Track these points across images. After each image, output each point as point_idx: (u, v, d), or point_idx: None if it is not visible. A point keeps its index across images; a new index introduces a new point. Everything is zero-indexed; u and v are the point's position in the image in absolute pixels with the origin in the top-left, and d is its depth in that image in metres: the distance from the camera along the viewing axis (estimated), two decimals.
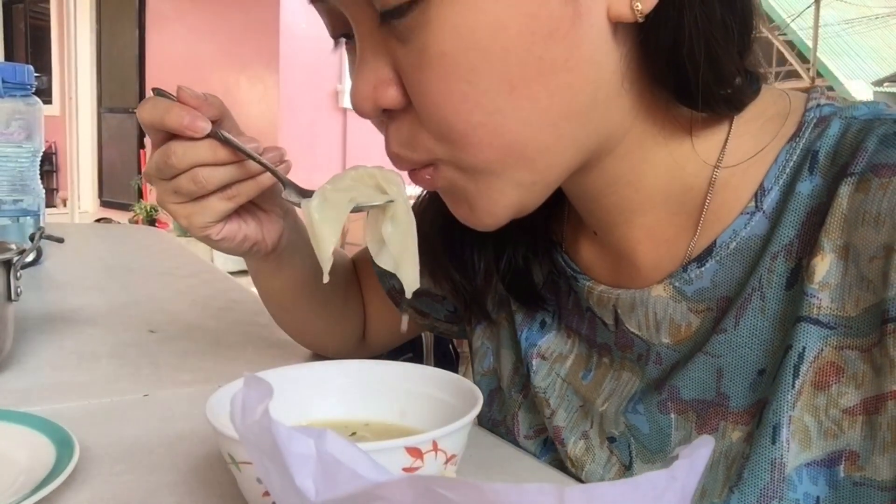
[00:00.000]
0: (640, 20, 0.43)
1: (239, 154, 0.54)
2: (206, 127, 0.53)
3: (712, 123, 0.48)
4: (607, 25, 0.43)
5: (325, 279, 0.52)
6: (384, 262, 0.52)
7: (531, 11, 0.41)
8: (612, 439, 0.53)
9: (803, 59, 9.49)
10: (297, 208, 0.55)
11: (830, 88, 0.53)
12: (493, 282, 0.63)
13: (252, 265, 0.68)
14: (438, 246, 0.63)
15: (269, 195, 0.59)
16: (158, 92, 0.55)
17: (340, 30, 0.48)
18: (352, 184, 0.51)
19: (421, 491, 0.19)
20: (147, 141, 0.59)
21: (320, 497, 0.22)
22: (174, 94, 0.54)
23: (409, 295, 0.51)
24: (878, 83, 10.92)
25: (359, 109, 0.47)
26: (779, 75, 9.65)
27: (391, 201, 0.51)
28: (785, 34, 9.72)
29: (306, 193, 0.54)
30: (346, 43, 0.49)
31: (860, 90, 10.67)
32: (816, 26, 8.61)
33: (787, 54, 9.41)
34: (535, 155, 0.45)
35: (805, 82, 8.78)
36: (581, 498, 0.19)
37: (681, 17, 0.42)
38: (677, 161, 0.49)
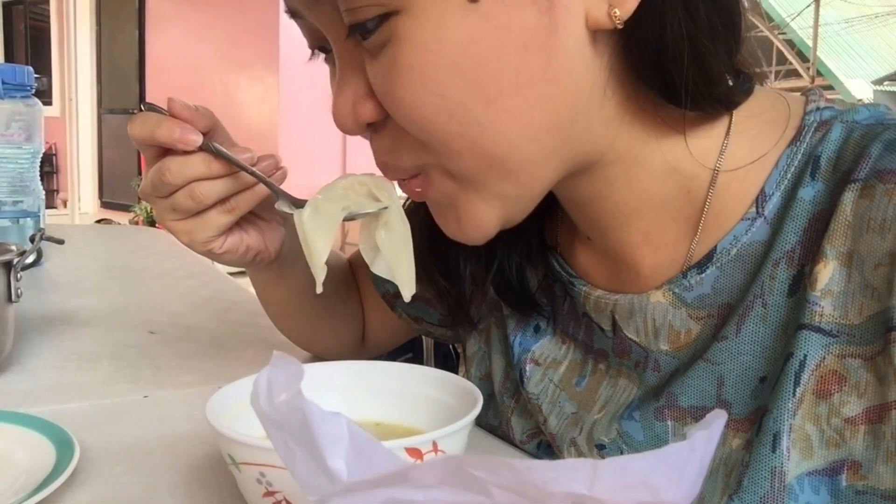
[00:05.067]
0: (619, 27, 0.42)
1: (234, 166, 0.54)
2: (198, 139, 0.52)
3: (705, 123, 0.47)
4: (586, 34, 0.42)
5: (319, 289, 0.51)
6: (379, 268, 0.52)
7: (504, 24, 0.40)
8: (600, 446, 0.52)
9: (803, 58, 9.48)
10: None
11: (830, 88, 0.52)
12: (483, 286, 0.63)
13: (253, 273, 0.67)
14: (424, 250, 0.62)
15: (268, 204, 0.58)
16: (149, 106, 0.54)
17: (317, 42, 0.49)
18: (343, 192, 0.51)
19: (451, 471, 0.19)
20: None
21: (352, 477, 0.21)
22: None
23: (407, 299, 0.50)
24: (878, 82, 10.90)
25: (341, 126, 0.46)
26: (779, 74, 9.65)
27: (385, 208, 0.50)
28: (785, 33, 9.71)
29: (299, 203, 0.53)
30: (326, 57, 0.49)
31: (860, 89, 10.65)
32: (816, 25, 8.61)
33: (787, 53, 9.41)
34: (517, 168, 0.45)
35: (805, 81, 8.78)
36: (614, 470, 0.19)
37: (663, 20, 0.41)
38: (671, 163, 0.48)
